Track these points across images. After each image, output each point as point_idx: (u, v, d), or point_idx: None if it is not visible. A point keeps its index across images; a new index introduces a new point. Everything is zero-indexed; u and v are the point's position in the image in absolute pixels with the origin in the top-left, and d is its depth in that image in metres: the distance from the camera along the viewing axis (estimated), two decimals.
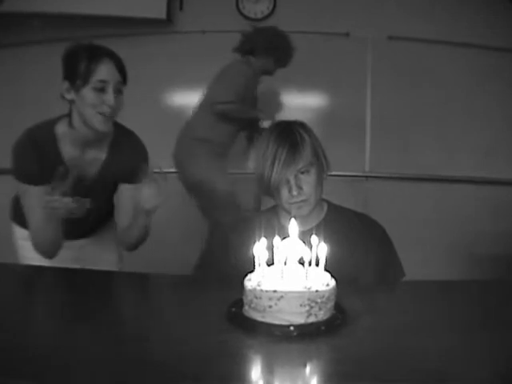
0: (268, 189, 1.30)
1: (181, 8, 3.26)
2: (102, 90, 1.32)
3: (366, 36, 3.19)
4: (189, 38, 3.23)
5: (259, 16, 3.25)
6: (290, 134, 1.31)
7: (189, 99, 3.33)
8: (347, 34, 3.20)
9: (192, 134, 2.59)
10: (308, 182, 1.29)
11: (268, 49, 2.61)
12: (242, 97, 2.53)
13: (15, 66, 3.24)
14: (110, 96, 1.33)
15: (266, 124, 2.58)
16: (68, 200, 1.28)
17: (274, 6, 3.23)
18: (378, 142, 3.17)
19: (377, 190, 3.13)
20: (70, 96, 1.35)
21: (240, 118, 2.60)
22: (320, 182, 1.33)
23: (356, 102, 3.24)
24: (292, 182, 1.28)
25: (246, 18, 3.25)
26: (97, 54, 1.32)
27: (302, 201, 1.28)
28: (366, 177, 3.22)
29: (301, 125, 1.36)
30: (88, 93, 1.32)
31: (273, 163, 1.27)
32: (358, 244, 1.31)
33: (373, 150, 3.12)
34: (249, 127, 2.72)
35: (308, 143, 1.31)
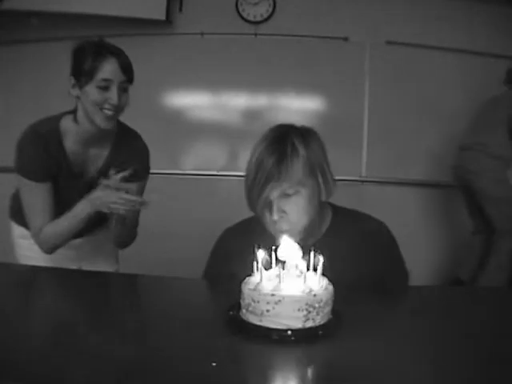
0: (252, 205, 1.13)
1: (180, 9, 3.26)
2: (105, 88, 1.32)
3: (364, 40, 3.21)
4: (188, 39, 3.24)
5: (258, 19, 3.26)
6: (281, 144, 1.09)
7: (186, 100, 3.34)
8: (346, 39, 3.22)
9: (487, 150, 2.83)
10: (294, 205, 1.09)
11: None
12: None
13: (13, 63, 3.23)
14: (113, 95, 1.32)
15: None
16: (137, 198, 1.33)
17: (274, 9, 3.25)
18: (375, 146, 3.18)
19: (373, 194, 3.14)
20: (76, 92, 1.35)
21: None
22: (313, 206, 1.13)
23: (354, 106, 3.25)
24: (274, 203, 1.08)
25: (246, 20, 3.26)
26: (102, 51, 1.32)
27: (286, 230, 1.07)
28: (363, 181, 3.22)
29: (301, 134, 1.13)
30: (92, 90, 1.32)
31: (255, 178, 1.08)
32: (363, 256, 1.18)
33: (370, 155, 3.13)
34: None
35: (301, 158, 1.08)
